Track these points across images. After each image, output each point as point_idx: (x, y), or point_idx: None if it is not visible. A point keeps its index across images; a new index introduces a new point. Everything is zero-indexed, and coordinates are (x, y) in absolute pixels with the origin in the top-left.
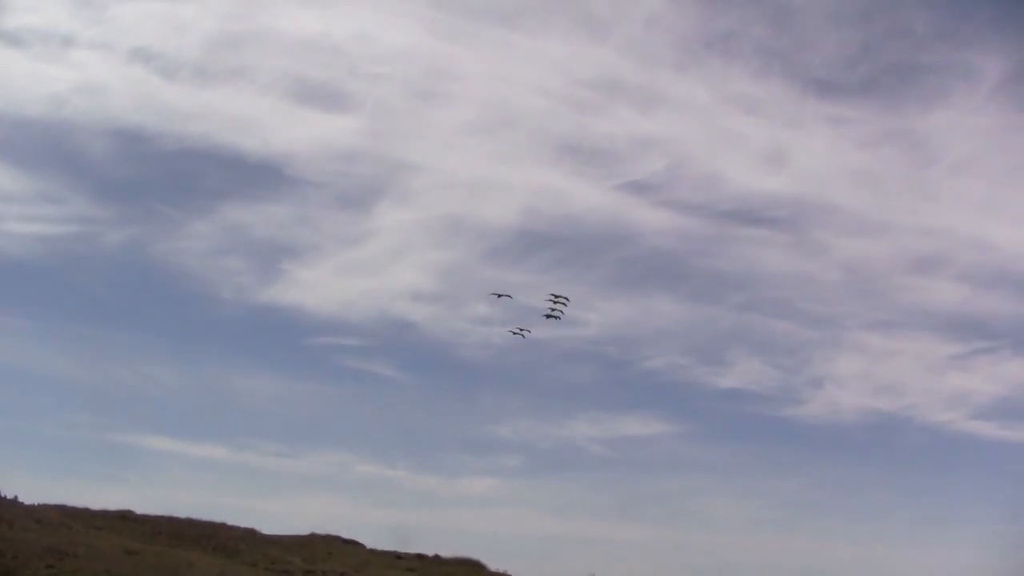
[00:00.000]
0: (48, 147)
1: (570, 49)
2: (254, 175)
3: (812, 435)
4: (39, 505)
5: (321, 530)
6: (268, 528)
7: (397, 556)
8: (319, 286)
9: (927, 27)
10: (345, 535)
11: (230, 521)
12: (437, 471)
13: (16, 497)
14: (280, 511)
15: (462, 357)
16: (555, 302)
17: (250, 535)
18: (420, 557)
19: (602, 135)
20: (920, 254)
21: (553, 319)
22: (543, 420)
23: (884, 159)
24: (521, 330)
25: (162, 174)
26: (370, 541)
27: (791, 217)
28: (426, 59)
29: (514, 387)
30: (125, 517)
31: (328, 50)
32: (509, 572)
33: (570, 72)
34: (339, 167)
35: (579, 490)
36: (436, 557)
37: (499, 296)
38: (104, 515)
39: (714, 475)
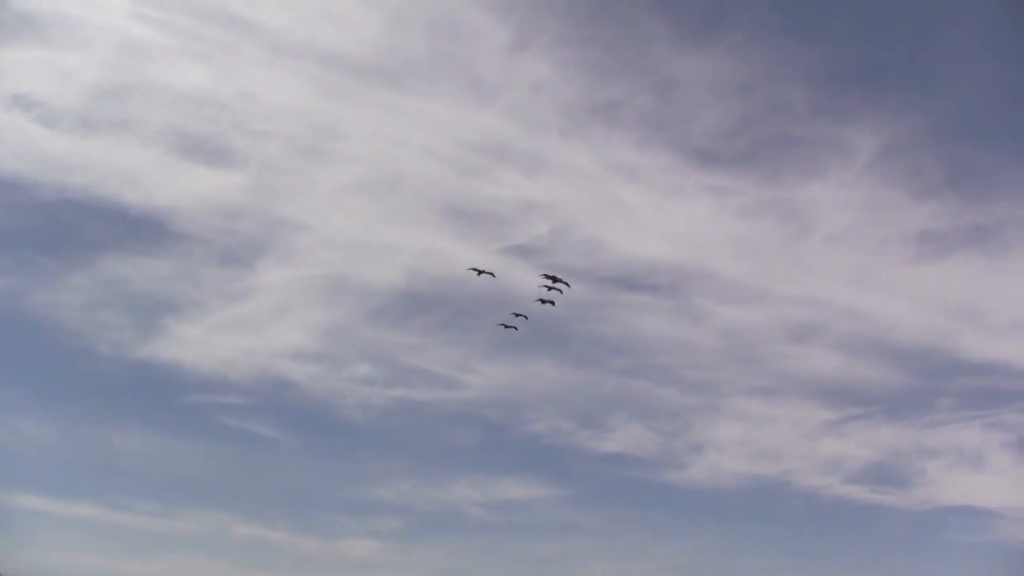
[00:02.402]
0: None
1: (456, 112)
2: (135, 228)
3: (693, 499)
4: None
5: None
6: None
7: None
8: (199, 343)
9: (804, 102)
10: None
11: None
12: (317, 533)
13: None
14: (154, 573)
15: (343, 418)
16: (552, 285)
17: None
18: None
19: (487, 198)
20: (797, 323)
21: (548, 304)
22: (424, 482)
23: (762, 229)
24: (518, 315)
25: (40, 224)
26: None
27: (672, 284)
28: (313, 118)
29: (395, 449)
30: None
31: (214, 105)
32: None
33: (456, 135)
34: (222, 223)
35: (460, 554)
36: None
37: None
38: None
39: (596, 539)
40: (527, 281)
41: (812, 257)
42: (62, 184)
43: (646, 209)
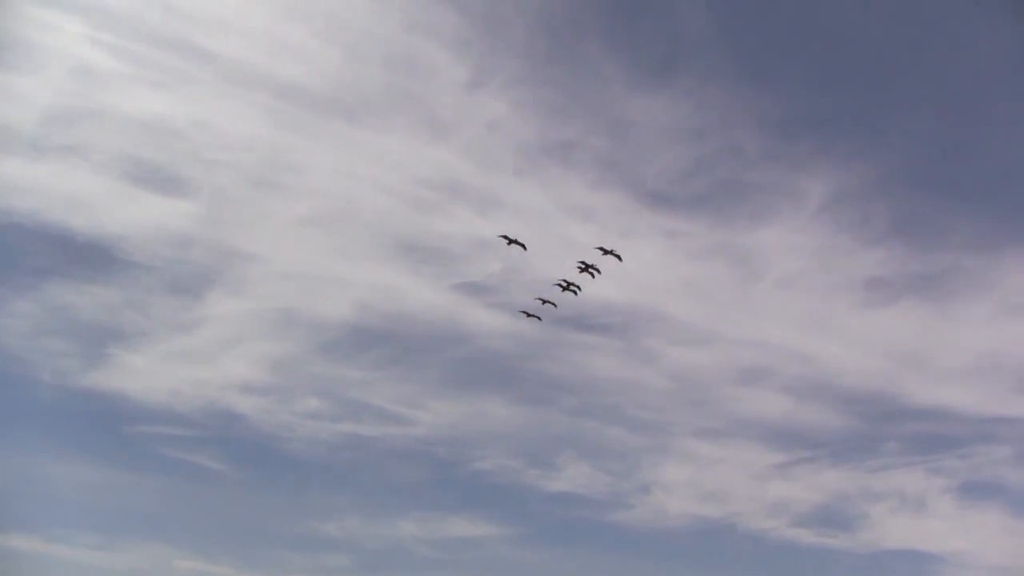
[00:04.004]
0: None
1: (412, 148)
2: (83, 255)
3: (640, 540)
4: None
5: None
6: None
7: None
8: (146, 373)
9: (757, 148)
10: None
11: None
12: (261, 568)
13: None
14: None
15: (291, 452)
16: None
17: None
18: None
19: (440, 235)
20: (746, 365)
21: (572, 291)
22: (371, 519)
23: (714, 272)
24: (545, 302)
25: None
26: None
27: (623, 324)
28: (267, 149)
29: (342, 484)
30: None
31: (168, 133)
32: None
33: (411, 171)
34: (173, 252)
35: None
36: None
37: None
38: None
39: None
40: (479, 319)
41: (762, 301)
42: (9, 208)
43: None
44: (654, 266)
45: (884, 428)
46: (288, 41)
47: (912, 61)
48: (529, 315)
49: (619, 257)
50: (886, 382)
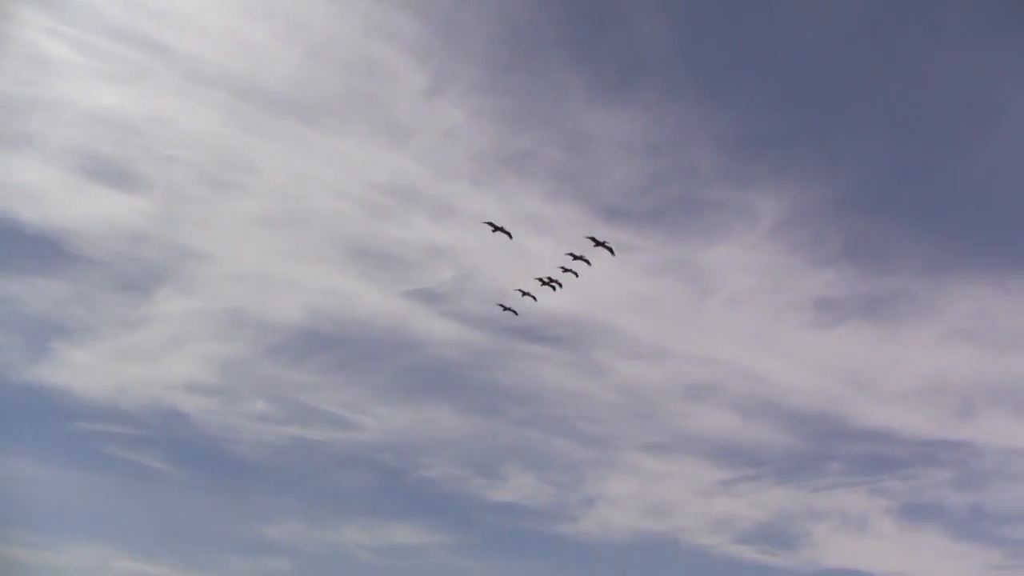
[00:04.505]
0: None
1: (368, 152)
2: (31, 248)
3: (583, 552)
4: None
5: None
6: None
7: None
8: (90, 369)
9: (712, 165)
10: None
11: None
12: (201, 570)
13: None
14: None
15: (235, 453)
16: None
17: None
18: None
19: (393, 241)
20: (694, 381)
21: (550, 287)
22: (314, 524)
23: (665, 287)
24: (506, 308)
25: None
26: None
27: (574, 336)
28: (223, 147)
29: (286, 488)
30: None
31: (123, 127)
32: None
33: (367, 175)
34: (122, 248)
35: None
36: None
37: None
38: None
39: None
40: (430, 326)
41: (712, 318)
42: None
43: (551, 260)
44: (606, 280)
45: (829, 448)
46: (248, 40)
47: (868, 85)
48: (505, 308)
49: (611, 250)
50: (832, 402)
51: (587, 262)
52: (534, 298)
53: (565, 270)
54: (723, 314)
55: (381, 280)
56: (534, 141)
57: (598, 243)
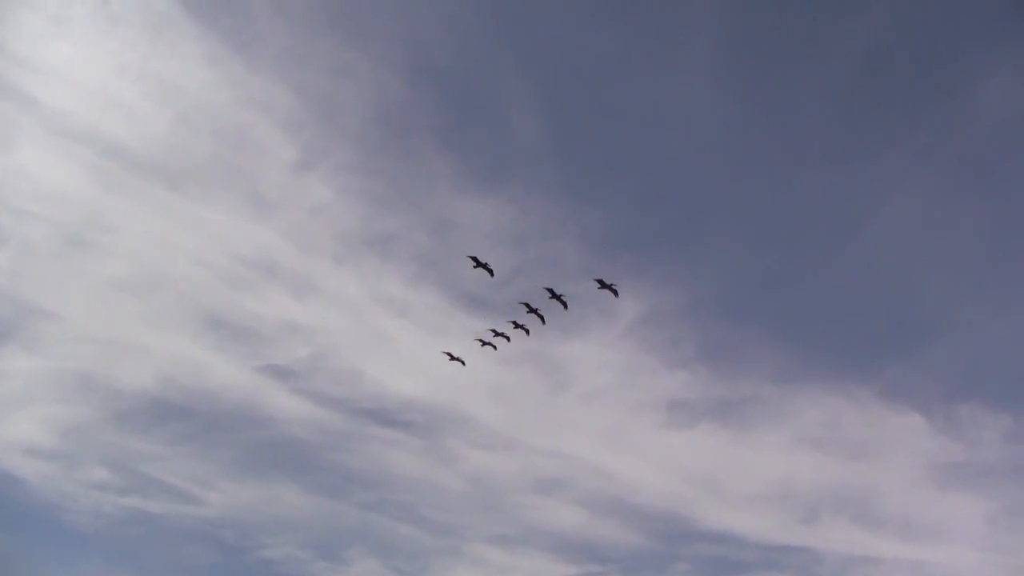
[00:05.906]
0: None
1: (232, 222)
2: None
3: None
4: None
5: None
6: None
7: None
8: None
9: (576, 261)
10: None
11: None
12: None
13: None
14: None
15: (71, 522)
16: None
17: None
18: None
19: (250, 314)
20: (544, 475)
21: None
22: None
23: (522, 379)
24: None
25: None
26: None
27: (426, 423)
28: (84, 206)
29: (123, 561)
30: None
31: None
32: None
33: (228, 245)
34: None
35: None
36: None
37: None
38: None
39: None
40: (282, 403)
41: (566, 412)
42: None
43: (409, 345)
44: (462, 367)
45: (675, 548)
46: (119, 99)
47: (731, 194)
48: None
49: (616, 292)
50: (681, 503)
51: (541, 317)
52: (463, 362)
53: (517, 325)
54: (577, 409)
55: (235, 353)
56: (400, 224)
57: (604, 285)
